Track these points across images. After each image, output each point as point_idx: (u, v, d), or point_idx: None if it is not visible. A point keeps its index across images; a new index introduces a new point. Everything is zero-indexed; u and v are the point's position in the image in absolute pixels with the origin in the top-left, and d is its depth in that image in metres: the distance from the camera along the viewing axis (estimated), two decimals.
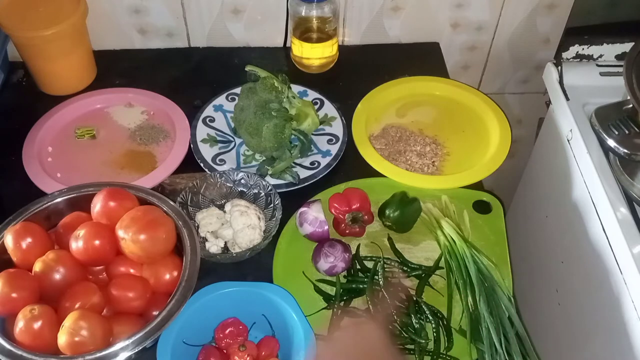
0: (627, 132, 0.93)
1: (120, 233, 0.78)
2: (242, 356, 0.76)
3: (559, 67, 1.09)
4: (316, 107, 1.08)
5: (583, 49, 1.12)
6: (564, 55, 1.12)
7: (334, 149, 1.03)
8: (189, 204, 0.94)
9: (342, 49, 1.22)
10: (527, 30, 1.26)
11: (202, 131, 1.05)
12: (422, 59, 1.24)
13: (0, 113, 1.12)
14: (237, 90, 1.10)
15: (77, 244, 0.78)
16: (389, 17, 1.22)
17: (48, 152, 1.05)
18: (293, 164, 1.00)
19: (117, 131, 1.09)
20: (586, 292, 1.01)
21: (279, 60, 1.22)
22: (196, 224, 0.93)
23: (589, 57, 1.13)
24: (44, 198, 0.86)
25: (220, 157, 1.02)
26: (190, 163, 1.02)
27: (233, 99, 1.11)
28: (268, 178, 0.98)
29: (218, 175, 0.96)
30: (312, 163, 1.01)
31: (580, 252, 1.01)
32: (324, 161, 1.01)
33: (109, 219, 0.80)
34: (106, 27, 1.19)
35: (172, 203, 0.85)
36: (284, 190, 0.97)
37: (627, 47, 1.09)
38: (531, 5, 1.21)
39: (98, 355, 0.70)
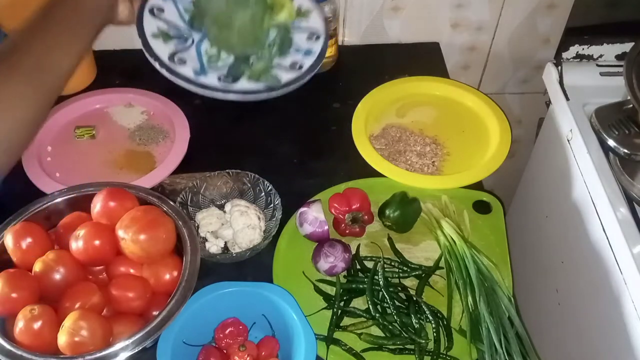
0: (627, 132, 0.93)
1: (120, 233, 0.78)
2: (242, 356, 0.76)
3: (559, 67, 1.09)
4: None
5: (583, 49, 1.12)
6: (564, 55, 1.12)
7: (317, 46, 0.88)
8: (189, 204, 0.94)
9: (342, 49, 1.22)
10: (527, 30, 1.26)
11: (150, 24, 0.84)
12: (422, 59, 1.24)
13: None
14: None
15: (77, 244, 0.78)
16: (389, 17, 1.22)
17: (47, 152, 1.05)
18: (270, 66, 0.86)
19: (116, 131, 1.09)
20: (586, 292, 1.01)
21: None
22: (196, 224, 0.93)
23: (589, 57, 1.13)
24: (44, 198, 0.86)
25: (179, 55, 0.84)
26: (190, 163, 1.02)
27: None
28: (241, 83, 0.83)
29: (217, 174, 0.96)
30: (292, 65, 0.86)
31: (580, 252, 1.01)
32: (307, 61, 0.86)
33: (109, 219, 0.80)
34: (106, 27, 1.19)
35: (172, 203, 0.85)
36: (264, 97, 0.84)
37: (627, 47, 1.09)
38: (531, 5, 1.21)
39: (98, 355, 0.70)
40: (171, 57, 0.82)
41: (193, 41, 0.86)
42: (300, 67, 0.85)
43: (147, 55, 0.81)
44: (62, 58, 0.70)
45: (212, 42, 0.86)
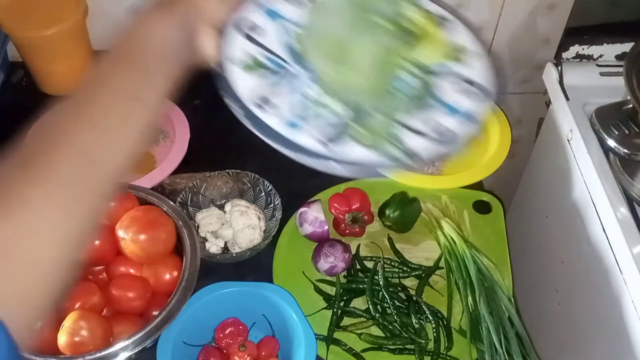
0: (627, 132, 0.93)
1: (120, 233, 0.78)
2: (242, 356, 0.76)
3: (559, 67, 1.09)
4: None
5: (583, 49, 1.12)
6: (564, 55, 1.12)
7: (472, 103, 0.58)
8: (189, 204, 0.94)
9: None
10: (527, 30, 1.26)
11: (237, 45, 0.58)
12: None
13: (0, 113, 1.12)
14: None
15: None
16: None
17: None
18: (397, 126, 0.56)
19: None
20: (586, 292, 1.01)
21: None
22: (196, 224, 0.93)
23: (589, 57, 1.13)
24: None
25: (268, 96, 0.57)
26: (190, 163, 1.02)
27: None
28: (351, 149, 0.54)
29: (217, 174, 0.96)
30: (435, 129, 0.55)
31: (580, 252, 1.01)
32: (454, 124, 0.55)
33: (109, 219, 0.80)
34: (106, 27, 1.19)
35: (172, 203, 0.85)
36: (383, 173, 0.55)
37: (627, 47, 1.09)
38: (531, 5, 1.21)
39: (98, 355, 0.70)
40: (258, 97, 0.56)
41: (293, 78, 0.59)
42: (446, 135, 0.55)
43: (227, 96, 0.56)
44: (120, 144, 0.49)
45: (319, 79, 0.58)
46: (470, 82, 0.60)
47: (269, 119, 0.55)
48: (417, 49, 0.58)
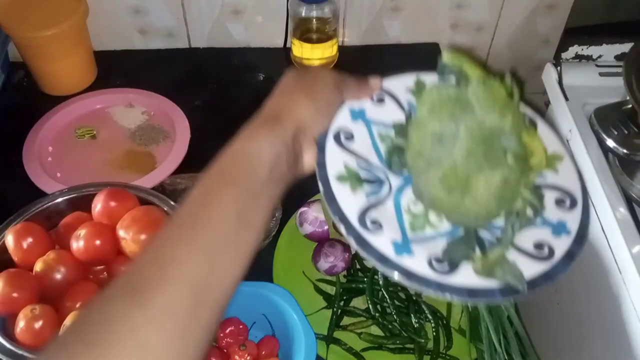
0: (626, 132, 0.93)
1: (121, 233, 0.78)
2: (242, 355, 0.76)
3: (558, 68, 1.09)
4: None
5: (582, 49, 1.12)
6: (563, 55, 1.12)
7: (572, 218, 0.57)
8: None
9: (342, 49, 1.22)
10: (526, 30, 1.26)
11: (336, 159, 0.55)
12: (422, 59, 1.24)
13: (0, 113, 1.12)
14: (401, 83, 0.63)
15: (78, 244, 0.78)
16: (389, 17, 1.22)
17: (48, 152, 1.05)
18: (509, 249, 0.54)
19: (117, 131, 1.09)
20: (585, 292, 1.01)
21: (279, 61, 1.23)
22: None
23: (588, 58, 1.13)
24: (44, 198, 0.86)
25: (372, 213, 0.53)
26: (191, 163, 1.02)
27: (382, 101, 0.61)
28: (463, 274, 0.51)
29: None
30: (537, 246, 0.53)
31: None
32: (558, 243, 0.54)
33: (109, 219, 0.81)
34: (107, 28, 1.19)
35: (172, 203, 0.85)
36: (498, 301, 0.56)
37: (626, 47, 1.09)
38: (531, 5, 1.22)
39: None
40: (362, 215, 0.52)
41: (390, 189, 0.55)
42: (551, 253, 0.53)
43: (330, 213, 0.53)
44: (230, 270, 0.48)
45: (433, 204, 0.54)
46: (563, 190, 0.57)
47: (378, 240, 0.51)
48: (529, 171, 0.55)
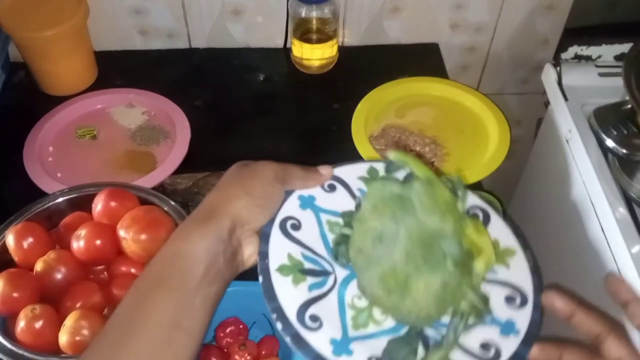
0: (625, 132, 0.94)
1: (122, 233, 0.78)
2: (242, 355, 0.76)
3: (558, 68, 1.09)
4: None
5: (582, 49, 1.12)
6: (563, 56, 1.12)
7: (521, 317, 0.54)
8: (189, 204, 0.94)
9: (341, 49, 1.22)
10: (526, 31, 1.26)
11: (279, 248, 0.53)
12: (422, 59, 1.24)
13: (1, 113, 1.12)
14: (353, 170, 0.61)
15: (78, 244, 0.78)
16: (389, 18, 1.22)
17: (49, 152, 1.05)
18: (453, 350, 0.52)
19: (117, 131, 1.09)
20: (585, 292, 1.01)
21: (279, 62, 1.23)
22: None
23: (588, 58, 1.13)
24: (45, 198, 0.86)
25: (312, 310, 0.51)
26: (191, 163, 1.02)
27: (333, 188, 0.59)
28: None
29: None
30: (483, 346, 0.51)
31: (579, 252, 1.01)
32: (505, 344, 0.51)
33: (110, 218, 0.81)
34: (107, 28, 1.20)
35: (172, 203, 0.86)
36: None
37: (625, 47, 1.10)
38: (530, 6, 1.22)
39: None
40: (301, 311, 0.50)
41: (335, 281, 0.53)
42: (497, 355, 0.50)
43: (268, 309, 0.50)
44: None
45: (376, 303, 0.53)
46: (511, 287, 0.55)
47: (315, 338, 0.48)
48: (472, 273, 0.53)
